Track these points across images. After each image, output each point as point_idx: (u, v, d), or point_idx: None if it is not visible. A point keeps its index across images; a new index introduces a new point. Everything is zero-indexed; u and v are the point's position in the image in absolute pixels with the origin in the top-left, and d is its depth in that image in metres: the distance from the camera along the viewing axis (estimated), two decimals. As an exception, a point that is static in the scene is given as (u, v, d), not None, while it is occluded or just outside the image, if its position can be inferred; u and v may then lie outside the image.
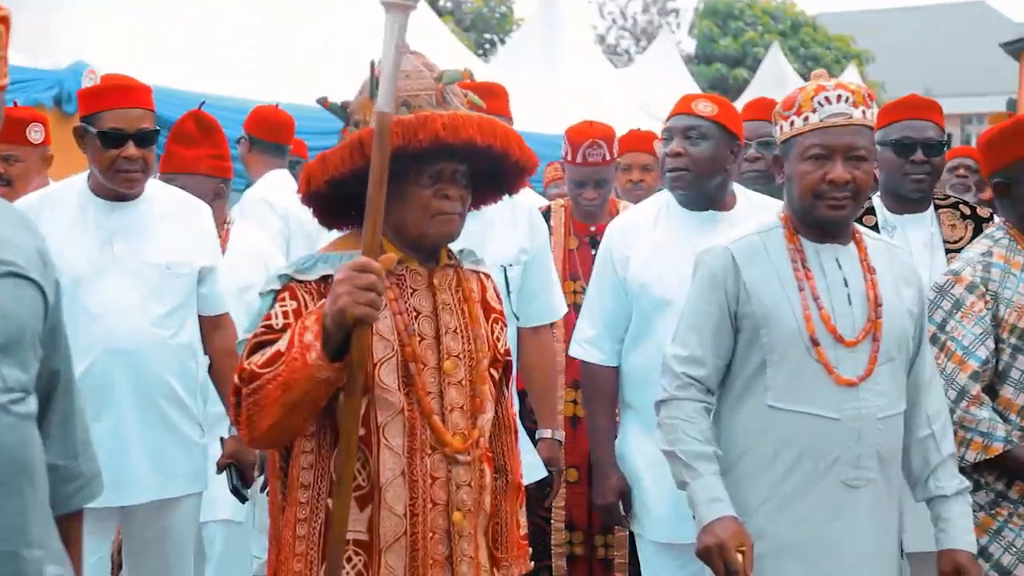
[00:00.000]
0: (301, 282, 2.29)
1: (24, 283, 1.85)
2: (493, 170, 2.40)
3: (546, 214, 4.69)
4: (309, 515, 2.30)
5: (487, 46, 27.38)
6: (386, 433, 2.27)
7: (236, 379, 2.20)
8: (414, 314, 2.34)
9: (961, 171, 6.02)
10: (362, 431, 2.24)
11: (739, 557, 2.59)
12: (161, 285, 3.45)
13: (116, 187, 3.44)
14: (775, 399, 2.74)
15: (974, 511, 3.04)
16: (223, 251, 4.00)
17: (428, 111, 2.24)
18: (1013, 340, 3.11)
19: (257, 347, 2.23)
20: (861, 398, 2.73)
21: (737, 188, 3.65)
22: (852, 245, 2.85)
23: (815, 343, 2.72)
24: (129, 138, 3.39)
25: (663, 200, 3.63)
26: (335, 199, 2.35)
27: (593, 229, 4.59)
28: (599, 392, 3.61)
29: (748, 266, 2.78)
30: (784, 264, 2.79)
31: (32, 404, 1.87)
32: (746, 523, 2.68)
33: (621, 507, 3.57)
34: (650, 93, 13.44)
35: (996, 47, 28.25)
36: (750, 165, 4.30)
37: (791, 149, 2.79)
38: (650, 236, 3.55)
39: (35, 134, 4.48)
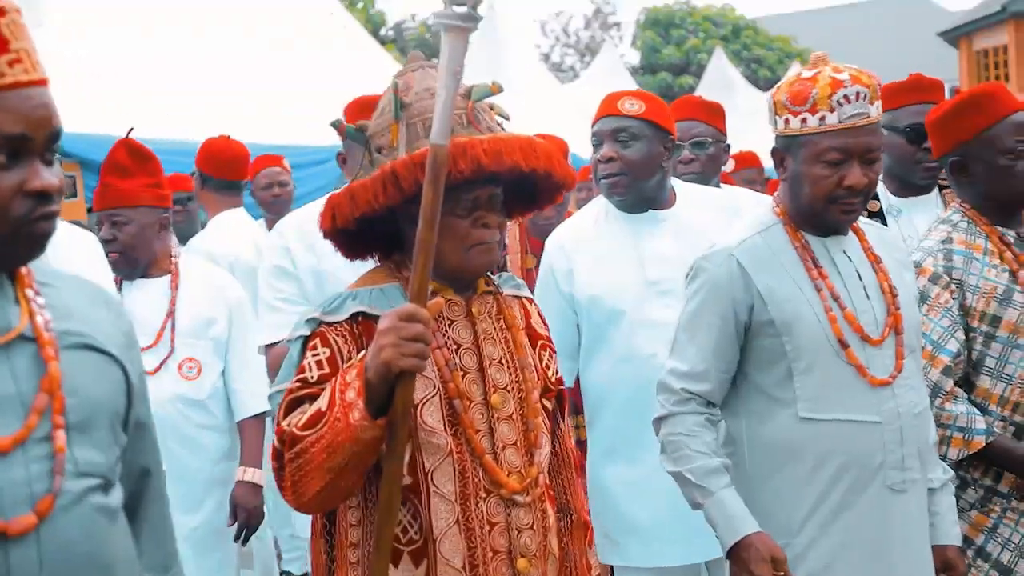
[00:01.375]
0: (331, 324, 2.14)
1: (100, 357, 1.66)
2: (526, 186, 2.25)
3: None
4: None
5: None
6: (435, 479, 2.10)
7: (276, 442, 2.04)
8: (454, 347, 2.19)
9: None
10: (408, 479, 2.09)
11: None
12: None
13: None
14: (808, 410, 2.58)
15: (966, 510, 2.98)
16: (175, 286, 3.81)
17: (464, 136, 2.09)
18: (984, 327, 2.98)
19: (294, 404, 2.08)
20: (897, 396, 2.60)
21: (675, 182, 3.51)
22: (852, 235, 2.72)
23: (844, 345, 2.58)
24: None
25: (600, 206, 3.46)
26: (361, 232, 2.21)
27: (551, 246, 4.50)
28: None
29: (758, 271, 2.62)
30: (795, 264, 2.63)
31: (115, 497, 1.65)
32: (789, 545, 2.55)
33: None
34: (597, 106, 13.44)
35: (935, 37, 28.62)
36: (685, 167, 4.17)
37: (801, 148, 2.60)
38: (592, 246, 3.38)
39: None
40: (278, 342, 3.26)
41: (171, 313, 3.76)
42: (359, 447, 1.96)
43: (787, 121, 2.62)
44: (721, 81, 19.19)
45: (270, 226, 5.42)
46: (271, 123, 8.22)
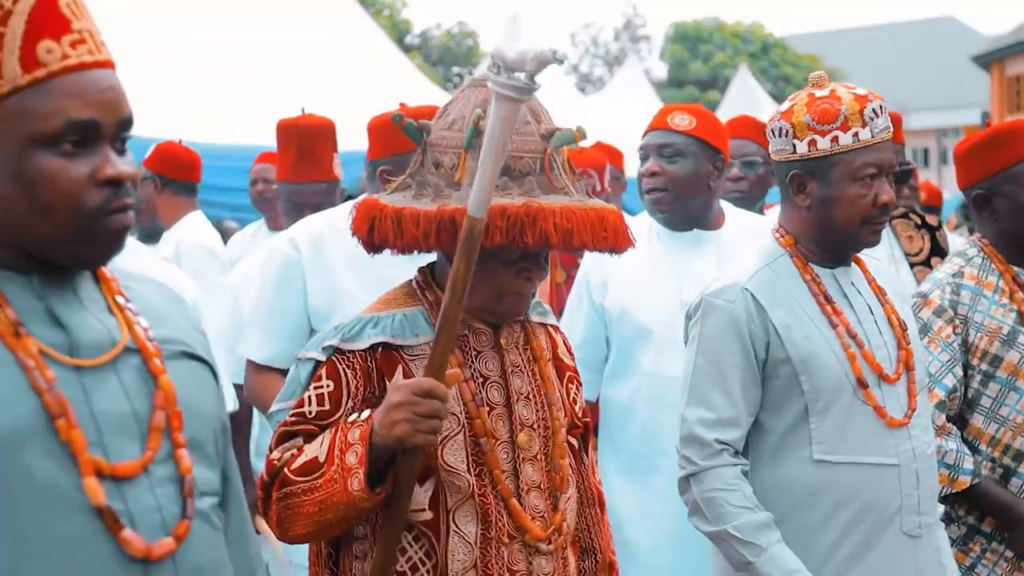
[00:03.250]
0: (344, 353, 2.02)
1: (197, 365, 1.56)
2: None
3: None
4: None
5: (455, 79, 27.35)
6: (457, 519, 1.99)
7: (265, 474, 1.98)
8: (481, 380, 2.05)
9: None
10: (428, 514, 1.98)
11: None
12: None
13: None
14: (824, 451, 2.44)
15: None
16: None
17: (537, 201, 1.93)
18: (983, 366, 2.92)
19: (287, 436, 2.00)
20: (912, 436, 2.50)
21: (725, 205, 3.41)
22: (855, 266, 2.61)
23: (863, 385, 2.46)
24: None
25: (645, 221, 3.35)
26: None
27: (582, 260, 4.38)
28: None
29: (774, 306, 2.48)
30: (806, 299, 2.51)
31: (222, 517, 1.57)
32: None
33: None
34: (619, 118, 13.37)
35: (967, 60, 28.44)
36: (733, 185, 4.14)
37: (832, 168, 2.48)
38: (631, 260, 3.21)
39: None
40: (262, 367, 3.12)
41: None
42: (354, 511, 1.91)
43: (813, 143, 2.49)
44: (746, 98, 19.04)
45: (270, 225, 5.25)
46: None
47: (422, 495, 1.98)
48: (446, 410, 1.89)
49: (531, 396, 2.10)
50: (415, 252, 2.05)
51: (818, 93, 2.52)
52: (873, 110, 2.48)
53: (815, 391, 2.45)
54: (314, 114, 4.08)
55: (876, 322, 2.54)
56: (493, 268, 2.00)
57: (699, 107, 3.38)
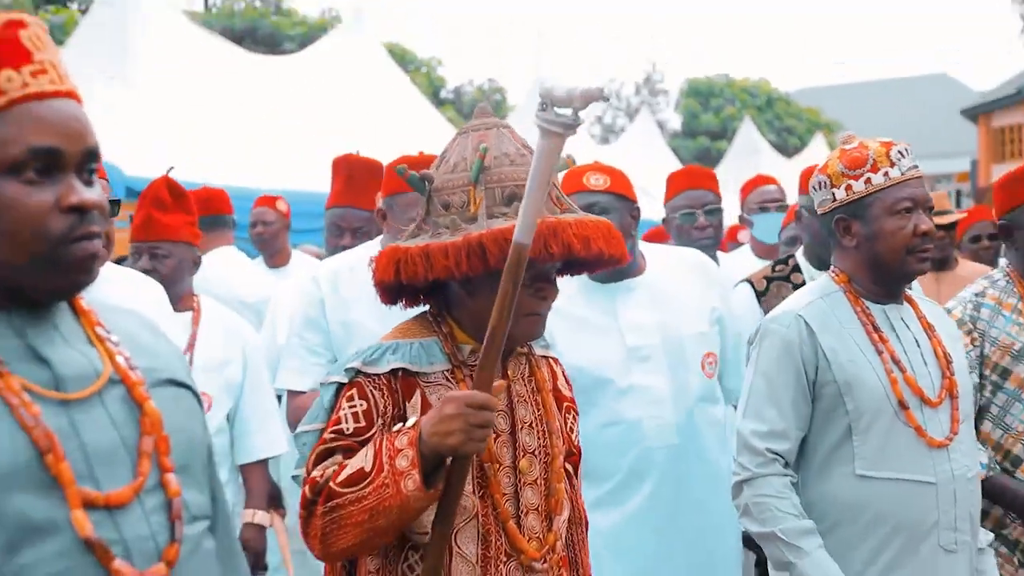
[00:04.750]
0: (369, 376, 2.10)
1: (180, 391, 1.57)
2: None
3: None
4: None
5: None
6: (459, 539, 2.09)
7: (308, 492, 2.02)
8: None
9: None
10: (430, 536, 2.05)
11: None
12: None
13: None
14: (865, 467, 2.62)
15: None
16: (196, 323, 3.78)
17: (553, 216, 2.05)
18: (994, 377, 3.16)
19: (326, 454, 2.07)
20: (952, 459, 2.66)
21: (642, 246, 3.47)
22: (907, 304, 2.79)
23: (904, 406, 2.63)
24: None
25: (573, 280, 3.15)
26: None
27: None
28: None
29: (823, 332, 2.67)
30: (856, 328, 2.70)
31: (212, 540, 1.57)
32: None
33: None
34: (633, 167, 14.49)
35: (957, 114, 29.94)
36: (700, 233, 4.37)
37: (869, 207, 2.67)
38: (569, 316, 3.29)
39: None
40: (301, 392, 3.34)
41: (191, 346, 3.72)
42: (406, 514, 1.97)
43: (849, 187, 2.69)
44: (748, 147, 20.48)
45: (269, 263, 5.66)
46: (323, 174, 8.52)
47: (425, 517, 2.03)
48: (495, 420, 1.98)
49: (533, 425, 2.20)
50: (429, 291, 2.17)
51: (847, 147, 2.74)
52: (899, 152, 2.68)
53: (858, 411, 2.63)
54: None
55: (922, 353, 2.71)
56: None
57: (604, 165, 3.45)
